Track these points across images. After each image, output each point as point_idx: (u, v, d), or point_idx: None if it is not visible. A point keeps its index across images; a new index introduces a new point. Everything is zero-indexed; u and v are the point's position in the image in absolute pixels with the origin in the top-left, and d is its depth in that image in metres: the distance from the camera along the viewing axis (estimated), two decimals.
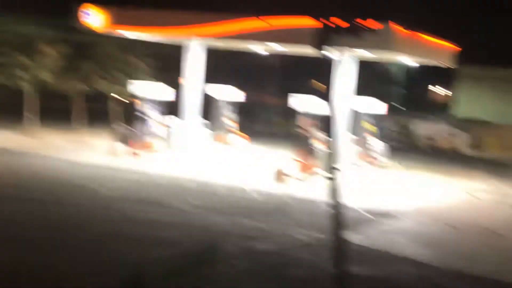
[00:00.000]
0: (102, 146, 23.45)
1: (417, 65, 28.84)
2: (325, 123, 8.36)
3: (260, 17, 21.71)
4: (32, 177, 18.20)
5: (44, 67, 26.29)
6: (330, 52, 22.47)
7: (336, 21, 8.00)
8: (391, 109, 37.92)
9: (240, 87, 28.08)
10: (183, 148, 24.72)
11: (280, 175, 20.15)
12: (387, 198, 18.93)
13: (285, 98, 24.33)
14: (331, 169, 6.77)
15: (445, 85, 51.44)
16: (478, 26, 42.61)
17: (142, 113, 23.49)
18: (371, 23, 8.42)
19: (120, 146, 22.72)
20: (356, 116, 25.11)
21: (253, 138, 28.62)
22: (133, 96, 23.92)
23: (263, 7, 21.45)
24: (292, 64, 34.33)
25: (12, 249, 10.99)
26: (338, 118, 23.08)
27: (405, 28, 21.54)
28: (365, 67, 26.21)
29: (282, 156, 20.95)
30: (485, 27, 43.28)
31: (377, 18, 8.98)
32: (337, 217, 6.59)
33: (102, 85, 28.00)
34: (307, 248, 12.96)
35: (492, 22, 43.39)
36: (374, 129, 25.76)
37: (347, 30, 8.26)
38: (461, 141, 36.19)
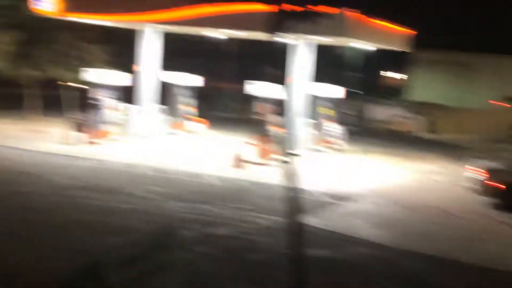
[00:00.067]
0: (57, 134, 23.09)
1: (373, 49, 29.16)
2: (283, 109, 8.42)
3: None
4: None
5: None
6: (285, 38, 22.47)
7: (289, 6, 8.04)
8: (348, 93, 38.37)
9: (198, 73, 27.96)
10: (140, 135, 24.53)
11: (238, 161, 20.20)
12: (344, 181, 19.18)
13: (243, 84, 24.36)
14: (288, 153, 6.84)
15: (401, 70, 52.12)
16: (432, 11, 43.25)
17: (98, 100, 23.20)
18: (324, 9, 8.48)
19: (75, 134, 22.41)
20: (314, 101, 25.33)
21: (211, 124, 28.58)
22: (88, 83, 23.58)
23: None
24: (251, 49, 34.27)
25: None
26: (295, 103, 23.30)
27: (359, 14, 21.75)
28: (322, 52, 26.37)
29: (240, 142, 21.01)
30: (440, 12, 43.97)
31: (331, 4, 9.07)
32: (294, 200, 6.67)
33: (56, 72, 27.47)
34: (266, 231, 13.08)
35: (446, 7, 44.09)
36: (331, 113, 26.03)
37: (300, 15, 8.30)
38: (416, 124, 36.85)
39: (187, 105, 27.53)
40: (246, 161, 20.31)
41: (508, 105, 39.46)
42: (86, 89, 23.71)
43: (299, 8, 8.21)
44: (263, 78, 22.56)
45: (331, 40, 25.01)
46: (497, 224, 15.65)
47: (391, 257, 12.32)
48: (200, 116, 28.10)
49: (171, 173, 18.50)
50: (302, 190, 16.05)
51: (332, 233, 13.56)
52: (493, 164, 19.33)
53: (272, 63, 7.37)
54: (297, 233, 6.96)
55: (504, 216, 16.15)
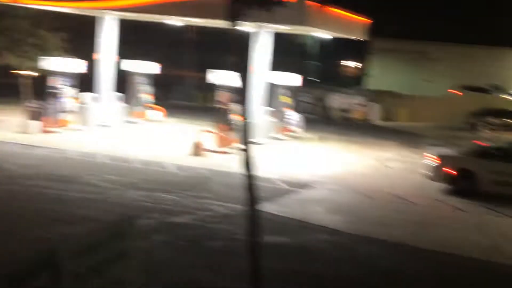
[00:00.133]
0: (14, 123, 22.69)
1: (329, 37, 29.41)
2: (243, 97, 8.47)
3: None
4: None
5: None
6: (244, 26, 22.48)
7: None
8: (306, 82, 38.62)
9: (159, 61, 27.77)
10: (98, 123, 24.29)
11: (197, 149, 20.21)
12: (302, 169, 19.40)
13: (204, 72, 24.30)
14: (246, 141, 6.92)
15: (359, 59, 52.68)
16: (388, 1, 43.70)
17: (56, 88, 22.85)
18: None
19: (32, 123, 22.05)
20: (273, 89, 25.47)
21: (171, 112, 28.48)
22: (46, 71, 23.18)
23: None
24: (212, 37, 34.16)
25: None
26: (255, 91, 23.39)
27: (317, 2, 21.89)
28: (281, 40, 26.49)
29: (200, 130, 21.00)
30: (396, 1, 44.46)
31: None
32: (252, 188, 6.76)
33: (13, 60, 26.90)
34: (224, 219, 13.17)
35: None
36: (290, 101, 26.22)
37: (258, 3, 8.35)
38: (373, 112, 37.36)
39: (145, 93, 27.36)
40: (205, 149, 20.34)
41: (461, 93, 40.32)
42: (43, 77, 23.31)
43: None
44: (225, 66, 22.53)
45: (290, 28, 25.14)
46: (449, 209, 16.08)
47: (348, 242, 12.56)
48: (159, 104, 27.96)
49: (129, 162, 18.40)
50: (260, 178, 16.18)
51: (290, 219, 13.74)
52: (445, 151, 19.84)
53: (233, 52, 7.40)
54: (255, 220, 7.06)
55: (456, 201, 16.60)
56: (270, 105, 25.01)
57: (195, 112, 31.73)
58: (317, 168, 19.79)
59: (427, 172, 17.96)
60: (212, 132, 21.26)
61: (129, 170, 17.48)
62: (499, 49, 43.53)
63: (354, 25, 26.41)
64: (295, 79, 25.91)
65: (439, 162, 17.69)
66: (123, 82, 26.88)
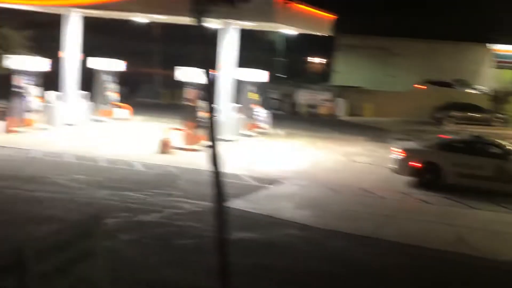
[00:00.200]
0: None
1: (294, 33, 29.53)
2: (210, 94, 8.45)
3: None
4: None
5: None
6: (210, 22, 22.33)
7: None
8: (274, 78, 38.72)
9: (124, 59, 27.53)
10: (64, 122, 23.99)
11: (165, 147, 20.12)
12: (270, 165, 19.47)
13: (170, 69, 24.19)
14: (213, 138, 6.92)
15: (325, 55, 53.04)
16: None
17: (20, 87, 22.48)
18: None
19: None
20: (240, 86, 25.48)
21: (138, 110, 28.28)
22: (10, 70, 22.79)
23: None
24: (178, 34, 33.96)
25: None
26: (222, 88, 23.37)
27: None
28: (248, 37, 26.51)
29: (167, 128, 20.91)
30: None
31: None
32: (219, 185, 6.77)
33: None
34: (193, 216, 13.14)
35: None
36: (257, 97, 26.26)
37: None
38: (340, 108, 37.65)
39: (111, 91, 27.11)
40: (173, 147, 20.26)
41: (424, 87, 40.89)
42: (7, 76, 22.91)
43: None
44: (192, 63, 22.44)
45: (257, 25, 25.18)
46: (415, 201, 16.32)
47: (316, 237, 12.65)
48: (125, 102, 27.73)
49: (96, 161, 18.23)
50: (229, 174, 16.17)
51: (259, 215, 13.77)
52: (411, 144, 20.11)
53: (200, 48, 7.37)
54: (224, 217, 7.07)
55: (422, 194, 16.86)
56: (237, 102, 25.02)
57: (162, 110, 31.57)
58: (285, 164, 19.87)
59: (393, 166, 18.19)
60: (179, 130, 21.18)
61: (96, 169, 17.31)
62: (463, 44, 44.28)
63: (319, 21, 26.58)
64: (261, 76, 25.96)
65: (404, 155, 17.93)
66: (89, 80, 26.59)
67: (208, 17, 8.12)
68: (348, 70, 46.61)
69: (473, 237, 13.35)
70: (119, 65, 27.07)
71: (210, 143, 7.39)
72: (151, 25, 38.55)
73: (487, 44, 43.68)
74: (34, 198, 13.63)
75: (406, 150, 18.17)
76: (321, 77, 50.88)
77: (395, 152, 18.25)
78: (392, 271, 11.05)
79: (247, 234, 12.17)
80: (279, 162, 20.11)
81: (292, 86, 40.01)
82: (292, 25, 24.79)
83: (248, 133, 25.21)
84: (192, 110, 21.32)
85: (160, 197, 14.58)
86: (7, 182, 14.86)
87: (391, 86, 41.69)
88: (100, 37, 34.40)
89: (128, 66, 27.69)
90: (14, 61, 22.60)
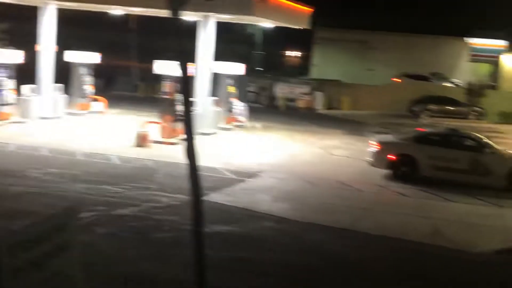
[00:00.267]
0: None
1: (273, 26, 29.50)
2: (187, 87, 8.36)
3: None
4: None
5: None
6: (188, 15, 22.24)
7: None
8: (251, 71, 38.66)
9: (101, 51, 27.26)
10: (39, 115, 23.69)
11: (142, 140, 19.98)
12: (248, 158, 19.45)
13: (148, 62, 24.02)
14: (189, 131, 6.87)
15: (303, 48, 53.10)
16: None
17: None
18: None
19: None
20: (217, 78, 25.40)
21: (114, 103, 28.05)
22: None
23: None
24: (156, 27, 33.75)
25: None
26: (200, 81, 23.27)
27: None
28: (226, 30, 26.44)
29: (145, 121, 20.76)
30: None
31: None
32: (195, 178, 6.72)
33: None
34: (171, 210, 13.08)
35: None
36: (234, 90, 26.19)
37: None
38: (318, 101, 37.73)
39: (87, 84, 26.82)
40: (150, 140, 20.14)
41: (401, 81, 41.17)
42: None
43: None
44: (169, 56, 22.29)
45: (234, 17, 25.09)
46: (392, 194, 16.43)
47: (294, 230, 12.68)
48: (101, 95, 27.49)
49: (72, 154, 18.05)
50: (207, 168, 16.10)
51: (237, 208, 13.75)
52: (386, 137, 20.23)
53: (178, 41, 7.29)
54: (201, 210, 7.03)
55: (398, 186, 16.98)
56: (215, 95, 24.94)
57: (139, 103, 31.36)
58: (263, 157, 19.87)
59: (370, 159, 18.28)
60: (157, 123, 21.05)
61: (72, 163, 17.13)
62: (440, 38, 44.61)
63: (297, 14, 26.58)
64: (239, 68, 25.90)
65: (380, 148, 18.04)
66: (65, 73, 26.28)
67: (185, 9, 8.05)
68: (326, 64, 46.73)
69: (449, 230, 13.48)
70: (94, 58, 26.79)
71: (186, 136, 7.34)
72: (129, 18, 38.25)
73: (464, 38, 44.08)
74: (8, 192, 13.45)
75: (382, 143, 18.28)
76: (299, 70, 50.96)
77: (372, 145, 18.35)
78: (370, 263, 11.11)
79: (224, 227, 12.15)
80: (257, 155, 20.10)
81: (270, 79, 39.99)
82: (269, 18, 24.74)
83: (226, 126, 25.16)
84: (169, 103, 21.20)
85: (137, 190, 14.49)
86: None
87: (369, 80, 41.89)
88: (77, 29, 34.03)
89: (104, 59, 27.43)
90: None
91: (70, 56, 26.26)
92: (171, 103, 21.05)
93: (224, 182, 15.95)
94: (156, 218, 12.47)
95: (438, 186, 17.06)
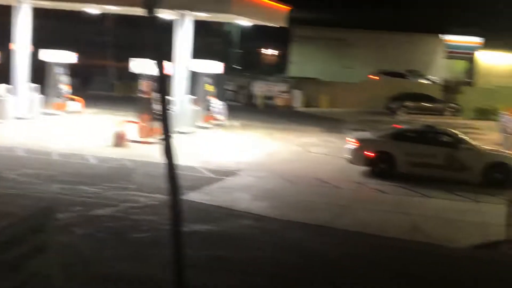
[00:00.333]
0: None
1: (250, 24, 29.51)
2: (163, 85, 8.32)
3: None
4: None
5: None
6: (165, 13, 22.12)
7: None
8: (230, 70, 38.59)
9: (77, 51, 27.00)
10: (15, 116, 23.41)
11: (119, 139, 19.85)
12: (227, 156, 19.42)
13: (124, 61, 23.85)
14: (167, 130, 6.84)
15: (281, 47, 53.18)
16: None
17: None
18: None
19: None
20: (195, 77, 25.31)
21: (91, 103, 27.82)
22: None
23: None
24: (132, 26, 33.53)
25: None
26: (178, 80, 23.17)
27: None
28: (204, 29, 26.37)
29: (122, 120, 20.62)
30: None
31: None
32: (173, 177, 6.70)
33: None
34: (149, 210, 13.01)
35: None
36: (212, 89, 26.12)
37: None
38: (296, 99, 37.79)
39: (63, 84, 26.56)
40: (127, 140, 20.01)
41: (378, 78, 41.43)
42: None
43: None
44: (144, 55, 22.16)
45: (212, 16, 25.04)
46: (370, 191, 16.52)
47: (273, 228, 12.68)
48: (77, 94, 27.25)
49: (49, 155, 17.86)
50: (185, 167, 16.04)
51: (216, 207, 13.73)
52: (364, 134, 20.34)
53: (155, 40, 7.25)
54: (180, 209, 7.00)
55: (376, 183, 17.07)
56: (193, 94, 24.86)
57: (116, 102, 31.14)
58: (242, 156, 19.86)
59: (348, 156, 18.36)
60: (134, 122, 20.93)
61: (48, 163, 16.96)
62: (416, 35, 44.97)
63: (274, 12, 26.60)
64: (217, 67, 25.84)
65: (358, 145, 18.13)
66: (41, 72, 25.99)
67: (161, 8, 8.00)
68: (304, 62, 46.84)
69: (428, 225, 13.60)
70: (71, 57, 26.54)
71: (163, 136, 7.30)
72: (105, 17, 37.97)
73: (440, 35, 44.49)
74: None
75: (360, 140, 18.37)
76: (277, 68, 51.02)
77: (350, 142, 18.43)
78: (350, 260, 11.15)
79: (203, 226, 12.12)
80: (236, 154, 20.08)
81: (248, 77, 39.97)
82: (247, 16, 24.73)
83: (204, 125, 25.09)
84: (146, 102, 21.07)
85: (115, 191, 14.39)
86: None
87: (346, 77, 42.08)
88: (52, 29, 33.70)
89: (80, 58, 27.19)
90: None
91: (46, 55, 25.98)
92: (148, 102, 20.93)
93: (202, 181, 15.91)
94: (134, 218, 12.39)
95: (415, 182, 17.19)
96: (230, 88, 37.49)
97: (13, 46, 24.43)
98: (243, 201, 14.40)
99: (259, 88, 38.21)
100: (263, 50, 57.82)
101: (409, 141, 18.10)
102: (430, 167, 17.66)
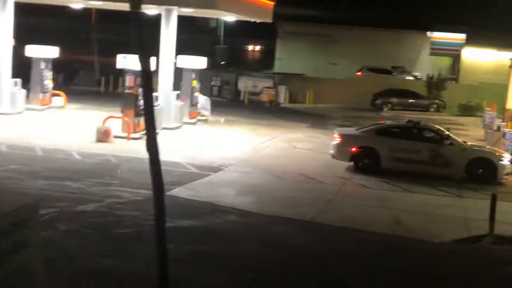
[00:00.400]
0: None
1: (235, 20, 29.46)
2: (148, 81, 8.28)
3: None
4: None
5: None
6: (149, 9, 22.00)
7: None
8: (215, 65, 38.56)
9: (61, 46, 26.82)
10: None
11: (104, 135, 19.77)
12: (212, 152, 19.40)
13: (109, 56, 23.73)
14: (151, 125, 6.82)
15: (267, 42, 53.18)
16: None
17: None
18: None
19: None
20: (180, 72, 25.25)
21: (75, 98, 27.66)
22: None
23: None
24: (117, 21, 33.38)
25: None
26: (163, 75, 23.11)
27: None
28: (189, 24, 26.30)
29: (106, 116, 20.52)
30: None
31: None
32: (157, 172, 6.68)
33: None
34: (133, 205, 12.97)
35: None
36: (197, 84, 26.06)
37: None
38: (281, 95, 37.84)
39: (47, 79, 26.37)
40: (112, 135, 19.93)
41: (361, 74, 41.58)
42: None
43: None
44: (130, 51, 22.07)
45: (197, 11, 24.99)
46: (355, 186, 16.60)
47: (259, 223, 12.70)
48: (61, 90, 27.08)
49: (32, 150, 17.75)
50: (170, 162, 16.04)
51: (201, 203, 13.72)
52: (348, 130, 20.42)
53: (139, 35, 7.22)
54: (164, 204, 6.99)
55: (360, 179, 17.17)
56: (178, 89, 24.81)
57: (100, 98, 31.00)
58: (227, 151, 19.86)
59: (333, 152, 18.43)
60: (119, 118, 20.85)
61: (32, 159, 16.85)
62: (401, 32, 45.16)
63: (259, 7, 26.59)
64: (202, 62, 25.79)
65: (343, 141, 18.20)
66: (24, 67, 25.80)
67: (146, 3, 7.99)
68: (290, 57, 46.87)
69: (411, 220, 13.70)
70: (54, 52, 26.35)
71: (148, 131, 7.28)
72: (90, 11, 37.74)
73: (425, 32, 44.70)
74: None
75: (344, 136, 18.44)
76: (263, 64, 51.03)
77: (335, 138, 18.50)
78: (336, 255, 11.20)
79: (187, 221, 12.12)
80: (221, 150, 20.07)
81: (233, 73, 39.94)
82: (232, 12, 24.70)
83: (190, 120, 25.04)
84: (132, 97, 20.99)
85: (99, 186, 14.33)
86: None
87: (332, 73, 42.17)
88: (36, 23, 33.45)
89: (65, 53, 27.02)
90: None
91: (30, 50, 25.78)
92: (134, 97, 20.85)
93: (187, 176, 15.89)
94: (118, 214, 12.36)
95: (399, 177, 17.30)
96: (215, 84, 37.45)
97: None
98: (228, 197, 14.41)
99: (245, 84, 38.22)
100: (249, 46, 57.81)
101: (393, 137, 18.22)
102: (414, 162, 17.78)
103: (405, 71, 43.88)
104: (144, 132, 6.81)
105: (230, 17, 28.20)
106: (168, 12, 22.92)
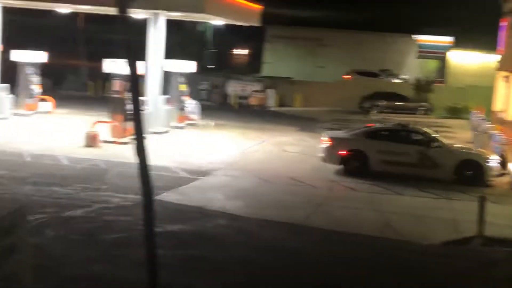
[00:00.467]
0: None
1: (223, 23, 29.48)
2: (135, 85, 8.26)
3: None
4: None
5: None
6: (138, 13, 21.92)
7: None
8: (203, 69, 38.50)
9: (48, 50, 26.68)
10: None
11: (92, 140, 19.68)
12: (201, 156, 19.36)
13: (97, 61, 23.63)
14: (139, 129, 6.79)
15: (256, 46, 53.18)
16: None
17: None
18: None
19: None
20: (169, 76, 25.21)
21: (63, 103, 27.53)
22: None
23: None
24: (104, 25, 33.23)
25: None
26: (151, 80, 23.04)
27: None
28: (177, 28, 26.27)
29: (94, 121, 20.43)
30: None
31: None
32: (146, 177, 6.66)
33: None
34: (122, 211, 12.91)
35: None
36: (186, 88, 26.03)
37: None
38: (270, 98, 37.86)
39: (34, 84, 26.22)
40: (100, 140, 19.85)
41: (349, 77, 41.69)
42: None
43: None
44: (117, 55, 22.01)
45: (185, 15, 24.96)
46: (344, 189, 16.62)
47: (248, 227, 12.67)
48: (48, 94, 26.93)
49: (20, 156, 17.63)
50: (159, 167, 15.97)
51: (190, 207, 13.68)
52: (337, 133, 20.46)
53: (127, 39, 7.19)
54: (153, 209, 6.97)
55: (350, 181, 17.19)
56: (166, 93, 24.76)
57: (88, 102, 30.87)
58: (216, 155, 19.82)
59: (322, 155, 18.45)
60: (107, 122, 20.77)
61: (20, 164, 16.73)
62: (389, 35, 45.36)
63: (247, 11, 26.62)
64: (190, 66, 25.77)
65: (332, 144, 18.23)
66: (11, 72, 25.64)
67: (133, 7, 7.96)
68: (278, 61, 46.93)
69: (400, 223, 13.72)
70: (41, 57, 26.22)
71: (136, 135, 7.26)
72: (78, 16, 37.61)
73: (412, 35, 44.93)
74: None
75: (333, 139, 18.48)
76: (251, 68, 51.00)
77: (324, 141, 18.52)
78: (326, 259, 11.20)
79: (177, 226, 12.07)
80: (210, 154, 20.03)
81: (222, 77, 39.93)
82: (220, 16, 24.70)
83: (178, 124, 25.00)
84: (120, 102, 20.92)
85: (87, 191, 14.25)
86: None
87: (320, 77, 42.26)
88: (24, 28, 33.27)
89: (52, 58, 26.88)
90: None
91: (17, 55, 25.64)
92: (122, 102, 20.78)
93: (176, 181, 15.85)
94: (107, 219, 12.29)
95: (388, 180, 17.34)
96: (204, 87, 37.41)
97: None
98: (218, 201, 14.38)
99: (233, 88, 38.21)
100: (237, 50, 57.79)
101: (382, 140, 18.27)
102: (403, 165, 17.84)
103: (392, 74, 44.05)
104: (133, 136, 6.78)
105: (218, 21, 28.19)
106: (156, 16, 22.88)
